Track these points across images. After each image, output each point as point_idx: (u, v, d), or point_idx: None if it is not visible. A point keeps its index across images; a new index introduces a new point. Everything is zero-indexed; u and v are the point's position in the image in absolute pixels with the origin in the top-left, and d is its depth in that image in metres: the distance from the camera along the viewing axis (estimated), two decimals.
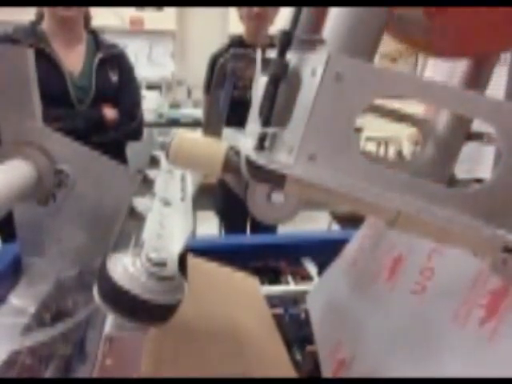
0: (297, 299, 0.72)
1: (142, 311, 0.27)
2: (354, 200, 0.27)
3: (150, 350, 0.41)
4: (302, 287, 0.75)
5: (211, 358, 0.47)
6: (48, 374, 0.46)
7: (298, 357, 0.59)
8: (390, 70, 0.24)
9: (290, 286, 0.76)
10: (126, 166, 0.87)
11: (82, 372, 0.46)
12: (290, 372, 0.51)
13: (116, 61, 1.27)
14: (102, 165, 0.60)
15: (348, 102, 0.25)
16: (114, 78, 1.26)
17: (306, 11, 0.28)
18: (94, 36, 1.26)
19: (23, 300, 0.55)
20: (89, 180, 0.59)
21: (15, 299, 0.56)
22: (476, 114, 0.27)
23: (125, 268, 0.27)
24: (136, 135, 1.35)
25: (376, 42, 0.26)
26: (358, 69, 0.24)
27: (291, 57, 0.27)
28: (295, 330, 0.64)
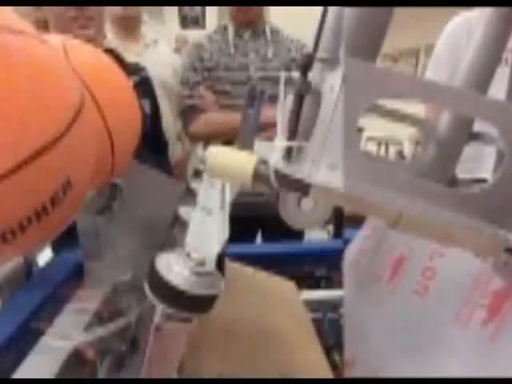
0: (335, 304, 0.70)
1: (184, 302, 0.32)
2: (354, 200, 0.27)
3: (191, 346, 0.43)
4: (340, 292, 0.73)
5: (249, 360, 0.48)
6: (104, 366, 0.51)
7: (338, 361, 0.59)
8: (392, 71, 0.24)
9: (329, 291, 0.75)
10: (173, 178, 0.88)
11: (134, 366, 0.52)
12: (328, 376, 0.51)
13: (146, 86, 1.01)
14: (150, 177, 0.66)
15: (351, 103, 0.25)
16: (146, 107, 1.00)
17: (326, 33, 0.30)
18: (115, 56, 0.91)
19: (85, 301, 0.62)
20: (139, 192, 0.65)
21: (79, 300, 0.63)
22: (479, 115, 0.27)
23: (170, 265, 0.33)
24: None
25: (379, 43, 0.27)
26: (361, 69, 0.24)
27: (313, 74, 0.29)
28: (334, 335, 0.63)
